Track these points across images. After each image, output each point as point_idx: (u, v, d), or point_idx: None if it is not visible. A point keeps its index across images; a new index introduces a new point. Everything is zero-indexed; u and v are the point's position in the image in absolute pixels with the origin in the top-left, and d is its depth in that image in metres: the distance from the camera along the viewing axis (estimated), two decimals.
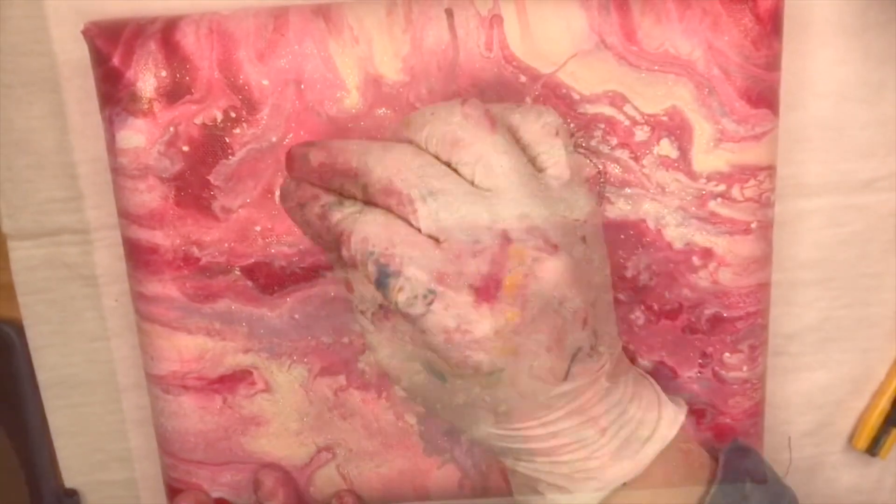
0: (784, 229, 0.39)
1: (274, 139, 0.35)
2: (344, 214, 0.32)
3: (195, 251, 0.36)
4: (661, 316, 0.37)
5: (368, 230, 0.31)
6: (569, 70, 0.35)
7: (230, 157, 0.35)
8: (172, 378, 0.38)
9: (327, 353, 0.38)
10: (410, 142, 0.32)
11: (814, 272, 0.41)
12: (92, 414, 0.42)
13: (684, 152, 0.35)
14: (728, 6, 0.34)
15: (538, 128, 0.32)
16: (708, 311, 0.37)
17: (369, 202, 0.31)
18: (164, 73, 0.34)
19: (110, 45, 0.34)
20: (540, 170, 0.32)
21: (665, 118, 0.35)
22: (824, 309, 0.41)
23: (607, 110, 0.35)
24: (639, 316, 0.37)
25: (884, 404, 0.42)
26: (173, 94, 0.34)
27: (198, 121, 0.35)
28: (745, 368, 0.38)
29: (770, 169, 0.36)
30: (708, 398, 0.38)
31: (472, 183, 0.31)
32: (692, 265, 0.37)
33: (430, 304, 0.30)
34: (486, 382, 0.31)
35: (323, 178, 0.33)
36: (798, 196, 0.39)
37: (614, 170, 0.36)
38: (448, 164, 0.31)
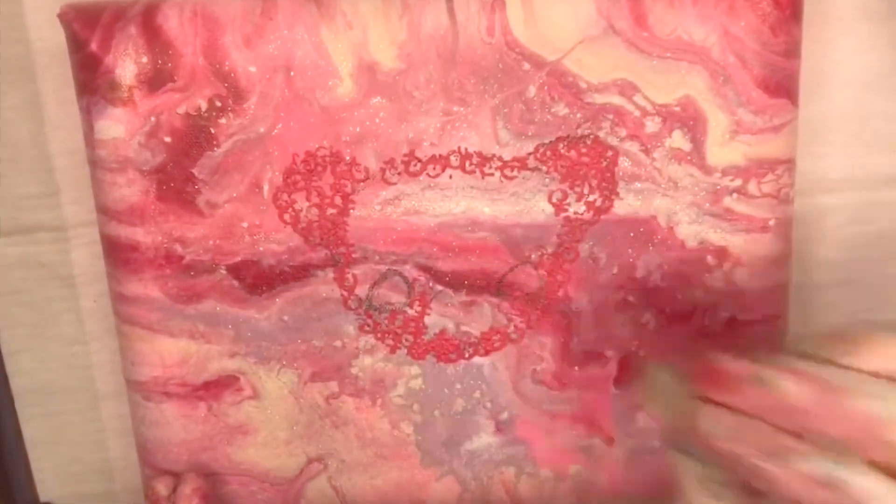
0: (803, 227, 0.38)
1: (262, 130, 0.34)
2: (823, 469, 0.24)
3: (178, 249, 0.35)
4: (673, 319, 0.36)
5: None
6: (575, 57, 0.33)
7: (215, 148, 0.34)
8: (154, 384, 0.37)
9: (318, 357, 0.36)
10: None
11: (835, 273, 0.39)
12: (69, 423, 0.41)
13: (698, 145, 0.34)
14: None
15: None
16: (722, 314, 0.36)
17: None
18: (144, 60, 0.33)
19: (88, 29, 0.33)
20: None
21: (677, 108, 0.34)
22: (846, 313, 0.40)
23: (616, 100, 0.34)
24: (649, 319, 0.36)
25: None
26: (155, 81, 0.33)
27: (181, 110, 0.34)
28: None
29: (789, 163, 0.35)
30: None
31: None
32: (706, 265, 0.36)
33: None
34: None
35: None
36: (818, 192, 0.38)
37: (623, 163, 0.35)
38: None
